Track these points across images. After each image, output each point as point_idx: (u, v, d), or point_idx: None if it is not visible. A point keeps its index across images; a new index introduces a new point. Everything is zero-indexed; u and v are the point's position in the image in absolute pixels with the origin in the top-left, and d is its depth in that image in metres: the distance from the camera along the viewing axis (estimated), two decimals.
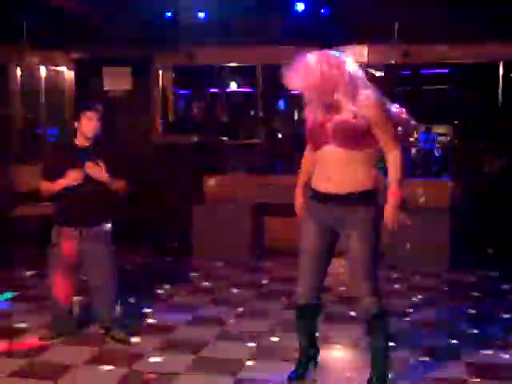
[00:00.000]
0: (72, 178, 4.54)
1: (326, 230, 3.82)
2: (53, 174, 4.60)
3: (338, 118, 3.63)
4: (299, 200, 4.08)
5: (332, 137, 3.64)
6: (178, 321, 5.32)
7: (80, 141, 4.70)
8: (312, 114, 3.78)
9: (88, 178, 4.57)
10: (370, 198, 3.73)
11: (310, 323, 4.07)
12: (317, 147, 3.75)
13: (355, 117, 3.58)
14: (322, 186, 3.73)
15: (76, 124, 4.66)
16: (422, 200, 7.49)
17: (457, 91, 9.52)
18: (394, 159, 3.71)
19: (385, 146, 3.69)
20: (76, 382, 4.12)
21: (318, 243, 3.84)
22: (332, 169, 3.68)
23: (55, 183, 4.59)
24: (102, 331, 4.83)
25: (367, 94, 3.64)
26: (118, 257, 7.25)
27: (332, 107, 3.64)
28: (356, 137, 3.62)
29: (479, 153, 7.27)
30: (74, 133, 4.74)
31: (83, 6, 7.71)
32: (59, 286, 4.73)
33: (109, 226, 4.80)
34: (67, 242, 4.67)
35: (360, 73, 3.77)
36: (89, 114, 4.63)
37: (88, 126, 4.63)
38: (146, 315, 5.48)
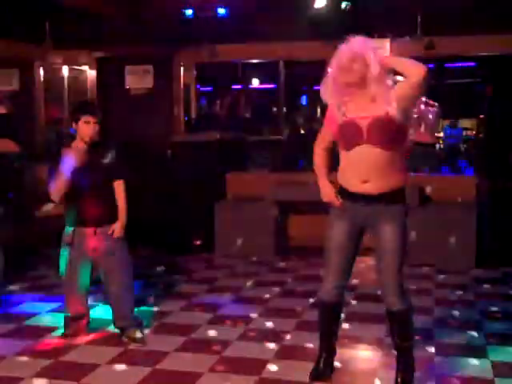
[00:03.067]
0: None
1: (356, 229, 3.81)
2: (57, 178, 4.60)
3: (374, 114, 3.56)
4: (329, 187, 3.90)
5: (368, 135, 3.57)
6: (199, 320, 5.31)
7: (80, 144, 4.67)
8: (337, 110, 3.71)
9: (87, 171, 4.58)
10: (402, 196, 3.77)
11: (332, 321, 4.03)
12: (349, 147, 3.66)
13: (388, 113, 3.53)
14: (358, 187, 3.68)
15: (74, 127, 4.64)
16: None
17: (483, 85, 9.37)
18: None
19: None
20: (99, 382, 4.13)
21: (347, 242, 3.81)
22: (368, 170, 3.62)
23: (57, 180, 4.56)
24: (118, 331, 4.84)
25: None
26: (141, 256, 7.29)
27: (367, 102, 3.59)
28: (393, 134, 3.57)
29: (505, 147, 7.14)
30: (71, 136, 4.76)
31: (107, 5, 7.72)
32: (72, 292, 4.80)
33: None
34: (83, 242, 4.67)
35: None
36: (86, 117, 4.59)
37: (85, 129, 4.60)
38: (166, 314, 5.47)
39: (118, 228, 4.70)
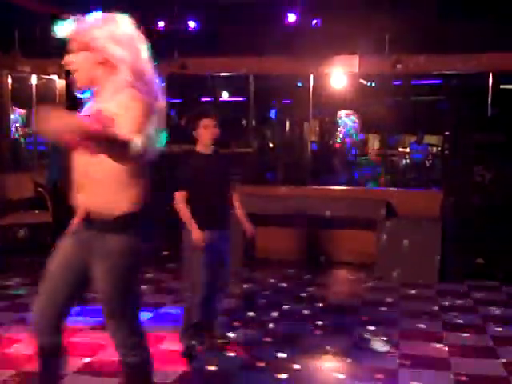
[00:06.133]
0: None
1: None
2: (185, 184, 4.56)
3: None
4: None
5: None
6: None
7: (202, 148, 4.64)
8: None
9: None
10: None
11: None
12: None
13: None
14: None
15: (194, 132, 4.59)
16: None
17: (447, 102, 9.57)
18: None
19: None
20: None
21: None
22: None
23: (188, 220, 4.52)
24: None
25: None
26: None
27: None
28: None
29: (469, 164, 7.30)
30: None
31: (75, 15, 7.70)
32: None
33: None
34: (213, 245, 4.59)
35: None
36: (205, 121, 4.56)
37: (205, 134, 4.57)
38: None
39: (252, 228, 4.83)
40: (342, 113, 10.33)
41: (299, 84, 8.59)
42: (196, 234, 4.47)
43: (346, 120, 10.27)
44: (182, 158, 4.78)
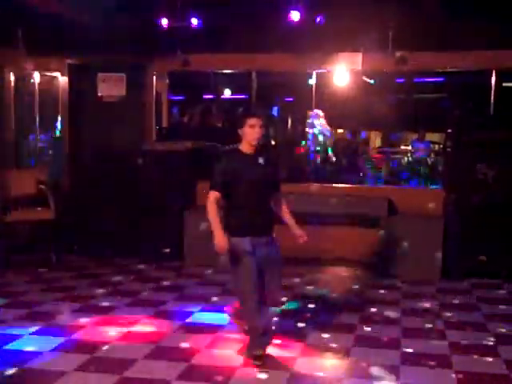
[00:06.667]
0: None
1: None
2: (222, 184, 4.37)
3: None
4: None
5: None
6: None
7: (245, 147, 4.46)
8: None
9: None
10: None
11: None
12: None
13: None
14: None
15: (239, 131, 4.45)
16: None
17: (450, 100, 9.55)
18: None
19: None
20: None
21: None
22: None
23: (214, 222, 4.32)
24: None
25: None
26: (114, 264, 7.28)
27: None
28: None
29: (472, 161, 7.28)
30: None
31: (81, 12, 7.70)
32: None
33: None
34: (256, 251, 4.40)
35: None
36: (251, 120, 4.39)
37: (251, 133, 4.38)
38: (134, 322, 5.48)
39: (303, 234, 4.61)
40: (312, 113, 9.89)
41: (310, 82, 8.54)
42: (218, 238, 4.28)
43: (315, 121, 9.97)
44: (222, 156, 4.56)
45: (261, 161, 4.47)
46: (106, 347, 4.83)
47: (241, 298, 4.49)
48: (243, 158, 4.44)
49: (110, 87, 8.69)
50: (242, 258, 4.33)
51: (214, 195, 4.37)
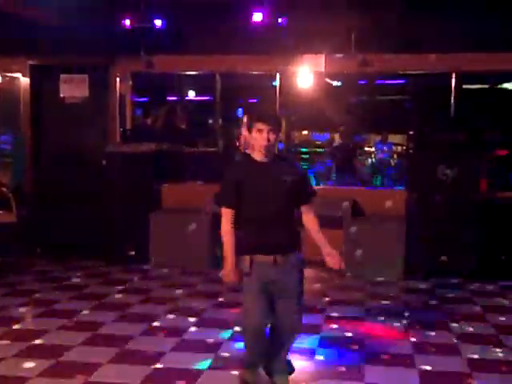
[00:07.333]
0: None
1: None
2: (233, 198, 3.90)
3: None
4: None
5: None
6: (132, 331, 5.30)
7: (257, 154, 3.95)
8: None
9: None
10: None
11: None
12: None
13: None
14: None
15: (247, 136, 4.18)
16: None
17: (412, 101, 9.68)
18: None
19: None
20: None
21: None
22: None
23: (228, 251, 3.93)
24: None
25: None
26: (77, 267, 7.21)
27: None
28: None
29: (433, 162, 7.39)
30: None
31: (42, 13, 7.61)
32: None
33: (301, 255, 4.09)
34: (261, 270, 3.90)
35: None
36: (259, 125, 3.88)
37: (259, 138, 3.86)
38: (100, 324, 5.44)
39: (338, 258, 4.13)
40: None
41: (274, 83, 8.58)
42: (226, 269, 3.92)
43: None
44: (231, 165, 4.16)
45: (276, 170, 3.94)
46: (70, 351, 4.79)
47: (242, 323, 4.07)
48: (254, 167, 3.95)
49: (73, 88, 8.60)
50: (247, 282, 3.92)
51: (227, 214, 3.93)
